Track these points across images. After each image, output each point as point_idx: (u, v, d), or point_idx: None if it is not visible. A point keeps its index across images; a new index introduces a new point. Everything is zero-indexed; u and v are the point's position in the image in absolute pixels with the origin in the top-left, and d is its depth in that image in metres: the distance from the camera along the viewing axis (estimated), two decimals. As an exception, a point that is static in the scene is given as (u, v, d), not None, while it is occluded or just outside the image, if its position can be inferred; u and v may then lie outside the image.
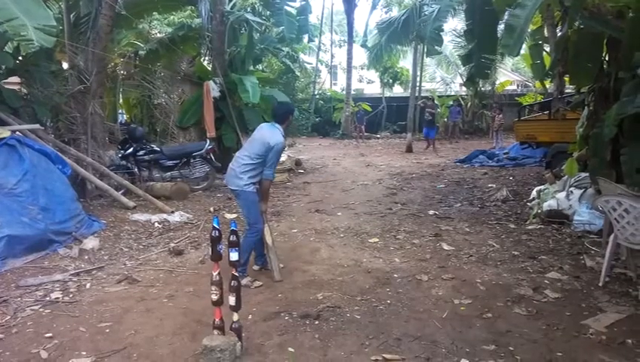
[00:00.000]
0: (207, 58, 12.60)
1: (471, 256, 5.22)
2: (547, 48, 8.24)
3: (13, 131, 6.08)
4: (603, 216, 5.13)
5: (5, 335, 3.46)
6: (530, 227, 6.34)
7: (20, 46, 8.31)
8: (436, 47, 14.88)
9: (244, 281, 4.23)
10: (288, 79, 17.36)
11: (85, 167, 7.65)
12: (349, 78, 24.63)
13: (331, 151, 18.25)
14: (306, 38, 23.50)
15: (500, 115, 17.48)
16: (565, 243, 5.61)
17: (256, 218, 4.55)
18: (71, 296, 4.21)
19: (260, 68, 15.68)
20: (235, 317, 3.16)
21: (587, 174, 6.06)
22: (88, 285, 4.46)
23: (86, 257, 5.24)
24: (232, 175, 4.56)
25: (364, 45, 23.97)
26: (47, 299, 4.11)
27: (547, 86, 11.56)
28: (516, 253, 5.29)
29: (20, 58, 7.90)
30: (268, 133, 4.53)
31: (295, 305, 3.93)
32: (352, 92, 25.68)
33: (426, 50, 19.45)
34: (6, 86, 7.49)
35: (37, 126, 7.03)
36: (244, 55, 11.72)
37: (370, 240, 5.87)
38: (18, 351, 3.20)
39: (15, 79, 8.17)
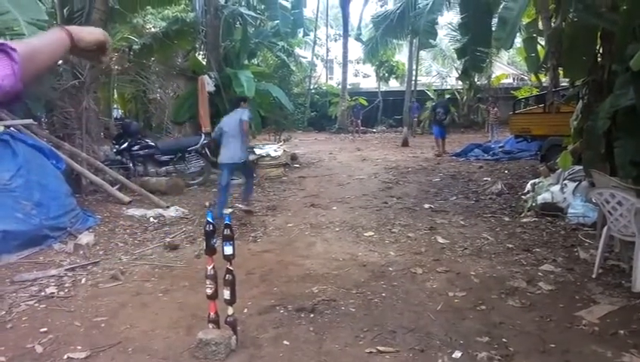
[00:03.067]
0: (201, 52, 12.56)
1: (465, 248, 5.24)
2: (542, 41, 8.24)
3: (7, 126, 6.05)
4: (597, 208, 5.16)
5: (0, 330, 3.46)
6: (524, 220, 6.36)
7: (13, 40, 8.26)
8: (430, 40, 14.87)
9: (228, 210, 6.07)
10: (283, 73, 17.29)
11: (80, 162, 7.62)
12: (344, 73, 24.60)
13: (327, 146, 18.24)
14: (301, 32, 23.44)
15: (495, 109, 17.42)
16: (559, 235, 5.64)
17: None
18: (66, 290, 4.21)
19: (255, 62, 15.64)
20: (230, 310, 3.17)
21: (581, 167, 6.07)
22: (83, 280, 4.46)
23: (81, 252, 5.23)
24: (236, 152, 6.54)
25: (358, 39, 23.92)
26: (42, 294, 4.11)
27: (542, 79, 11.58)
28: (510, 245, 5.31)
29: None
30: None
31: (290, 298, 3.95)
32: (348, 86, 25.65)
33: (420, 43, 19.50)
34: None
35: (30, 121, 7.00)
36: (239, 49, 11.68)
37: (365, 234, 5.89)
38: (13, 346, 3.20)
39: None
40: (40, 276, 4.48)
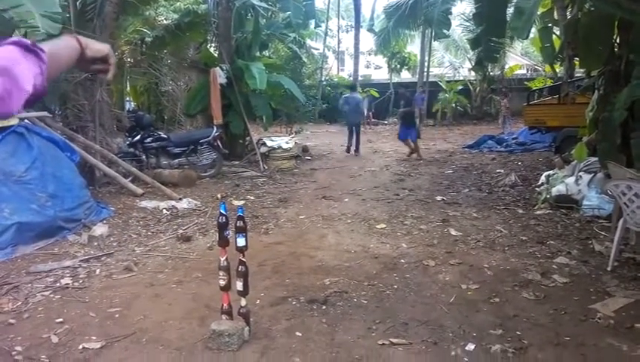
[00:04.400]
0: (213, 44, 12.55)
1: (478, 241, 5.21)
2: (557, 31, 8.12)
3: (22, 119, 6.11)
4: (612, 200, 5.09)
5: (17, 320, 3.51)
6: (538, 212, 6.30)
7: (27, 33, 8.32)
8: (444, 31, 14.73)
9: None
10: (295, 65, 17.22)
11: (93, 154, 7.68)
12: (356, 64, 24.43)
13: (339, 138, 18.16)
14: (312, 24, 23.32)
15: (505, 100, 17.11)
16: (574, 228, 5.58)
17: None
18: (80, 281, 4.25)
19: (267, 54, 15.60)
20: (243, 302, 3.18)
21: (596, 159, 6.00)
22: (98, 271, 4.51)
23: (95, 244, 5.29)
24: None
25: (370, 30, 23.75)
26: (58, 284, 4.16)
27: (557, 70, 11.42)
28: (524, 238, 5.26)
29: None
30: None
31: (302, 290, 3.95)
32: (360, 78, 25.48)
33: (433, 33, 19.30)
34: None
35: (45, 113, 7.06)
36: (251, 41, 11.66)
37: (377, 226, 5.87)
38: (30, 336, 3.25)
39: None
40: (55, 267, 4.53)
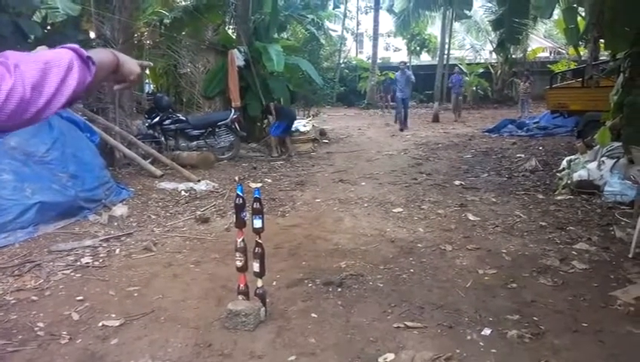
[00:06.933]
0: (231, 26, 12.49)
1: (497, 226, 5.15)
2: (582, 12, 7.90)
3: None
4: (635, 186, 4.99)
5: (39, 297, 3.59)
6: (559, 198, 6.20)
7: (47, 14, 8.39)
8: (465, 11, 14.44)
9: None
10: (313, 47, 17.06)
11: (113, 135, 7.77)
12: (375, 46, 24.17)
13: (356, 121, 18.11)
14: (331, 5, 23.05)
15: (527, 83, 16.62)
16: (595, 214, 5.48)
17: None
18: (101, 261, 4.33)
19: (285, 36, 15.48)
20: (260, 283, 3.21)
21: (620, 144, 5.86)
22: (117, 251, 4.58)
23: (115, 224, 5.36)
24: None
25: (390, 10, 23.42)
26: (78, 263, 4.24)
27: (581, 52, 11.15)
28: (544, 223, 5.19)
29: (48, 27, 7.97)
30: None
31: (318, 272, 3.97)
32: (378, 60, 25.22)
33: (454, 14, 18.96)
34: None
35: (65, 95, 7.13)
36: (269, 23, 11.57)
37: (394, 210, 5.85)
38: (51, 313, 3.33)
39: (44, 49, 8.26)
40: (76, 246, 4.61)
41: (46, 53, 1.00)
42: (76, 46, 1.04)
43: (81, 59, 1.02)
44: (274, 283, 3.73)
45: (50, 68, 0.96)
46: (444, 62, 20.88)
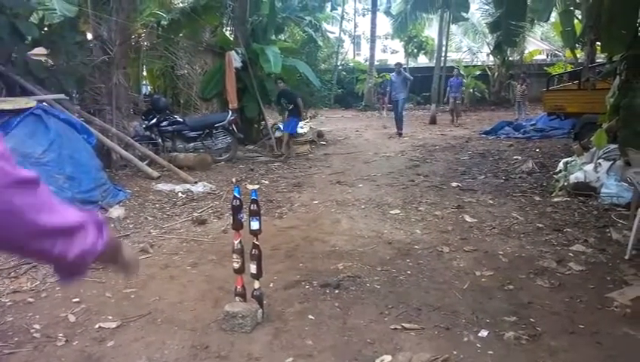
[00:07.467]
0: (228, 28, 12.51)
1: (494, 228, 5.16)
2: (579, 15, 7.93)
3: (40, 101, 6.17)
4: (632, 188, 5.00)
5: (35, 299, 3.58)
6: (555, 199, 6.22)
7: (45, 16, 8.37)
8: (462, 14, 14.47)
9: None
10: (310, 49, 17.14)
11: (110, 137, 7.75)
12: (372, 48, 24.19)
13: (354, 123, 18.11)
14: (328, 7, 23.07)
15: (524, 85, 16.69)
16: (591, 215, 5.50)
17: None
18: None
19: (282, 38, 15.52)
20: (257, 284, 3.21)
21: (616, 146, 5.88)
22: (114, 252, 4.55)
23: (112, 225, 5.34)
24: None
25: (387, 12, 23.46)
26: (75, 265, 4.21)
27: (577, 55, 11.18)
28: (540, 225, 5.20)
29: (46, 29, 7.96)
30: None
31: (316, 274, 3.97)
32: (376, 62, 25.24)
33: (452, 16, 19.00)
34: (32, 57, 7.57)
35: (62, 96, 7.12)
36: (266, 24, 11.59)
37: (391, 212, 5.85)
38: (48, 315, 3.32)
39: (41, 50, 8.25)
40: (73, 248, 4.58)
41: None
42: (100, 217, 1.05)
43: (99, 227, 1.02)
44: (271, 285, 3.73)
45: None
46: (442, 64, 20.94)
